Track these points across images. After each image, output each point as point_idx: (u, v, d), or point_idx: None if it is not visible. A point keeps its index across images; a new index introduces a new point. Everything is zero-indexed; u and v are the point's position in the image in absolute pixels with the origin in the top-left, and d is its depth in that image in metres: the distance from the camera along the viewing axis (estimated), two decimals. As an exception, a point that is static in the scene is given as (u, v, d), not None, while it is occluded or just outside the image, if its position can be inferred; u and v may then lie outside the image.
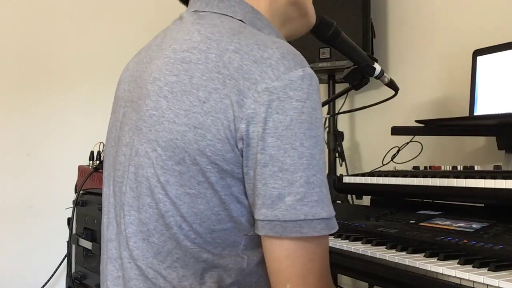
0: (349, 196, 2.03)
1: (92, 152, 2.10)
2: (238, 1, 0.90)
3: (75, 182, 2.17)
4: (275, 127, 0.76)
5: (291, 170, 0.76)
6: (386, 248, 1.08)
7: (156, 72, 0.86)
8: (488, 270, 0.87)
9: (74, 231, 2.13)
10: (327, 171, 2.20)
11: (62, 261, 2.24)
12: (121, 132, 0.92)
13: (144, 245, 0.85)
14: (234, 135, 0.78)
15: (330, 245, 1.18)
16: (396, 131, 1.64)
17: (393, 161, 1.72)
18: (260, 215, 0.78)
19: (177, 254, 0.83)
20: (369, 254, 1.06)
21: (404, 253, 1.03)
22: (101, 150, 2.06)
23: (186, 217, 0.81)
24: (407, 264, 0.97)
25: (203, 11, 0.90)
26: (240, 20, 0.89)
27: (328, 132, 2.22)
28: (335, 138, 2.18)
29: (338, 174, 1.76)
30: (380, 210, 1.38)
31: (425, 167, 1.44)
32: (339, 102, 2.32)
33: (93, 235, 1.97)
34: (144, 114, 0.85)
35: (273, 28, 0.93)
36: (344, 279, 2.27)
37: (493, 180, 1.09)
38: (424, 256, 0.99)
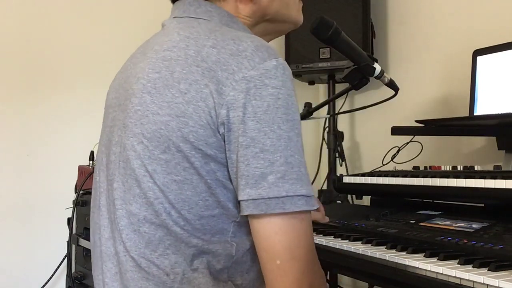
0: (349, 196, 2.03)
1: (92, 152, 2.10)
2: (214, 7, 0.96)
3: (75, 182, 2.17)
4: (254, 111, 0.81)
5: (271, 151, 0.81)
6: (386, 248, 1.08)
7: (140, 72, 0.91)
8: (488, 270, 0.87)
9: (74, 231, 2.13)
10: (327, 170, 2.20)
11: (62, 261, 2.24)
12: (111, 134, 0.96)
13: (136, 236, 0.88)
14: (215, 120, 0.83)
15: (330, 245, 1.18)
16: (396, 131, 1.64)
17: (393, 161, 1.72)
18: (244, 195, 0.82)
19: (168, 241, 0.87)
20: (369, 254, 1.06)
21: (404, 253, 1.03)
22: (101, 150, 2.05)
23: (174, 203, 0.85)
24: (407, 264, 0.97)
25: (181, 17, 0.97)
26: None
27: (328, 132, 2.22)
28: (335, 138, 2.18)
29: (338, 174, 1.76)
30: (380, 210, 1.38)
31: (425, 167, 1.44)
32: (339, 102, 2.32)
33: (93, 235, 1.96)
34: (130, 111, 0.90)
35: (248, 31, 0.97)
36: (344, 279, 2.27)
37: (493, 180, 1.09)
38: (424, 256, 0.99)
